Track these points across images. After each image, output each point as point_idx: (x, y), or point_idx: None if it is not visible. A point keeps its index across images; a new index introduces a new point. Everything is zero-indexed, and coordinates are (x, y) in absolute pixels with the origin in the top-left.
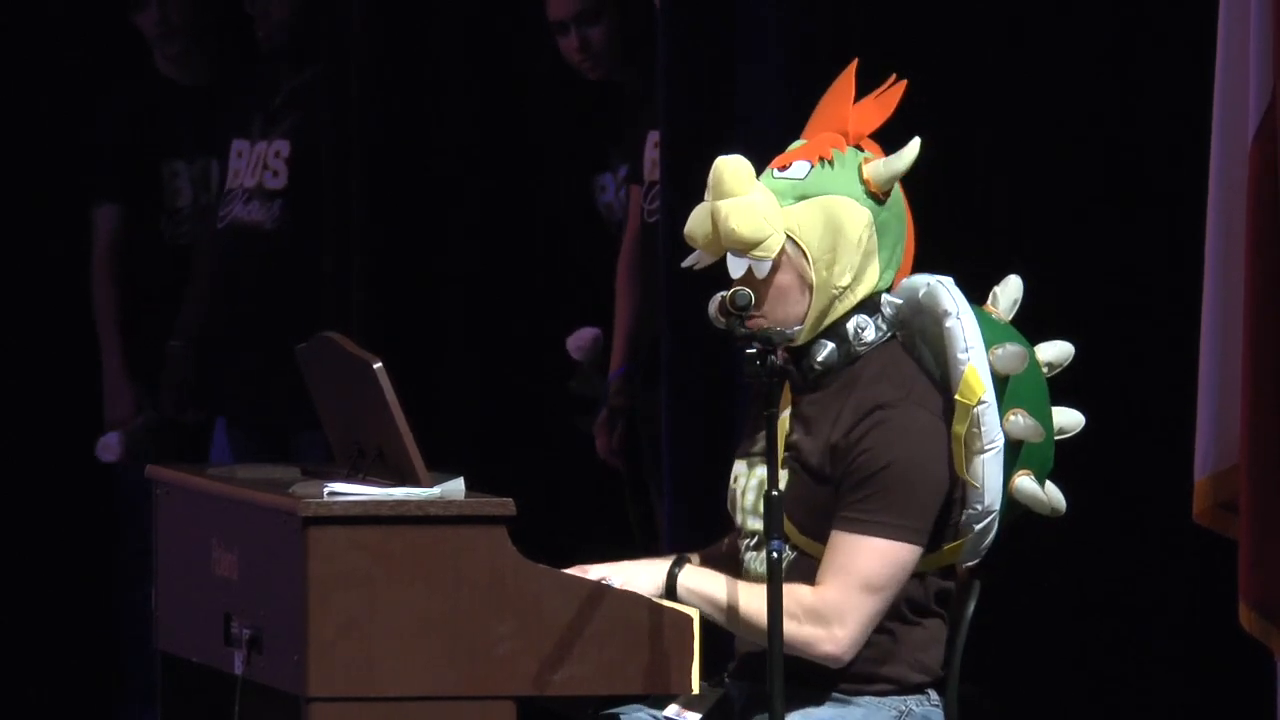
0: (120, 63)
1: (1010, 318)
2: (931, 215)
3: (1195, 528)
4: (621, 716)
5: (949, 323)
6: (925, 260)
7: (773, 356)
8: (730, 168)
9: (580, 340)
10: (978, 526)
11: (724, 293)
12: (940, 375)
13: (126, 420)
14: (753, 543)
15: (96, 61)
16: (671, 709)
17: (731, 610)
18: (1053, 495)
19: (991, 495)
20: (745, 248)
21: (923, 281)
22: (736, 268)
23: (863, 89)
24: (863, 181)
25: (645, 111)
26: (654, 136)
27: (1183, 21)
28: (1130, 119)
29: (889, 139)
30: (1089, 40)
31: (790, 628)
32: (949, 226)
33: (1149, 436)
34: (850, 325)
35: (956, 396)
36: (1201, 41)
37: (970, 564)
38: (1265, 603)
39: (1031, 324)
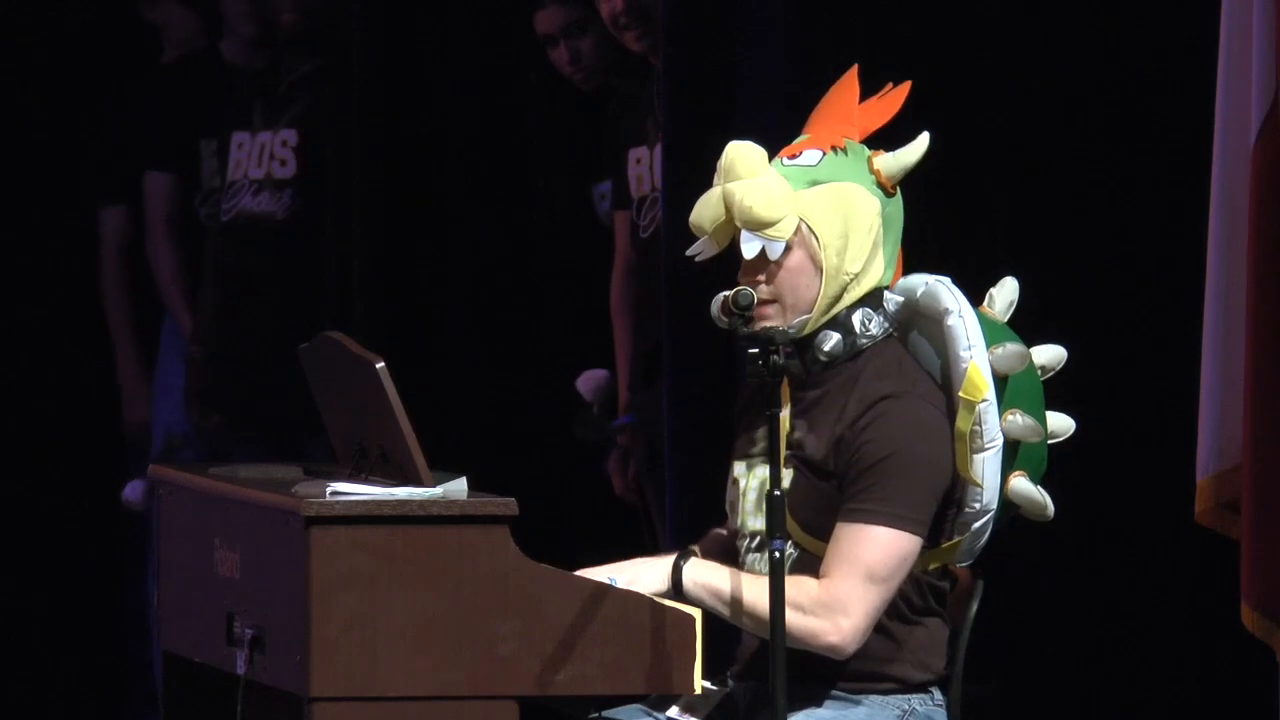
0: (132, 54)
1: (1006, 319)
2: (930, 216)
3: (1197, 528)
4: (623, 718)
5: (950, 320)
6: (924, 261)
7: (775, 356)
8: (743, 152)
9: (591, 382)
10: (974, 525)
11: (726, 292)
12: (940, 373)
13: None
14: (754, 543)
15: (106, 51)
16: (673, 710)
17: (738, 603)
18: (1048, 505)
19: (990, 495)
20: (760, 226)
21: (920, 281)
22: (750, 247)
23: (863, 89)
24: (872, 172)
25: (624, 130)
26: (635, 153)
27: (1185, 22)
28: (1132, 120)
29: (890, 139)
30: (1091, 40)
31: (796, 619)
32: (948, 227)
33: (1151, 437)
34: (856, 317)
35: (961, 394)
36: (1203, 42)
37: (965, 564)
38: (1267, 603)
39: (1035, 326)
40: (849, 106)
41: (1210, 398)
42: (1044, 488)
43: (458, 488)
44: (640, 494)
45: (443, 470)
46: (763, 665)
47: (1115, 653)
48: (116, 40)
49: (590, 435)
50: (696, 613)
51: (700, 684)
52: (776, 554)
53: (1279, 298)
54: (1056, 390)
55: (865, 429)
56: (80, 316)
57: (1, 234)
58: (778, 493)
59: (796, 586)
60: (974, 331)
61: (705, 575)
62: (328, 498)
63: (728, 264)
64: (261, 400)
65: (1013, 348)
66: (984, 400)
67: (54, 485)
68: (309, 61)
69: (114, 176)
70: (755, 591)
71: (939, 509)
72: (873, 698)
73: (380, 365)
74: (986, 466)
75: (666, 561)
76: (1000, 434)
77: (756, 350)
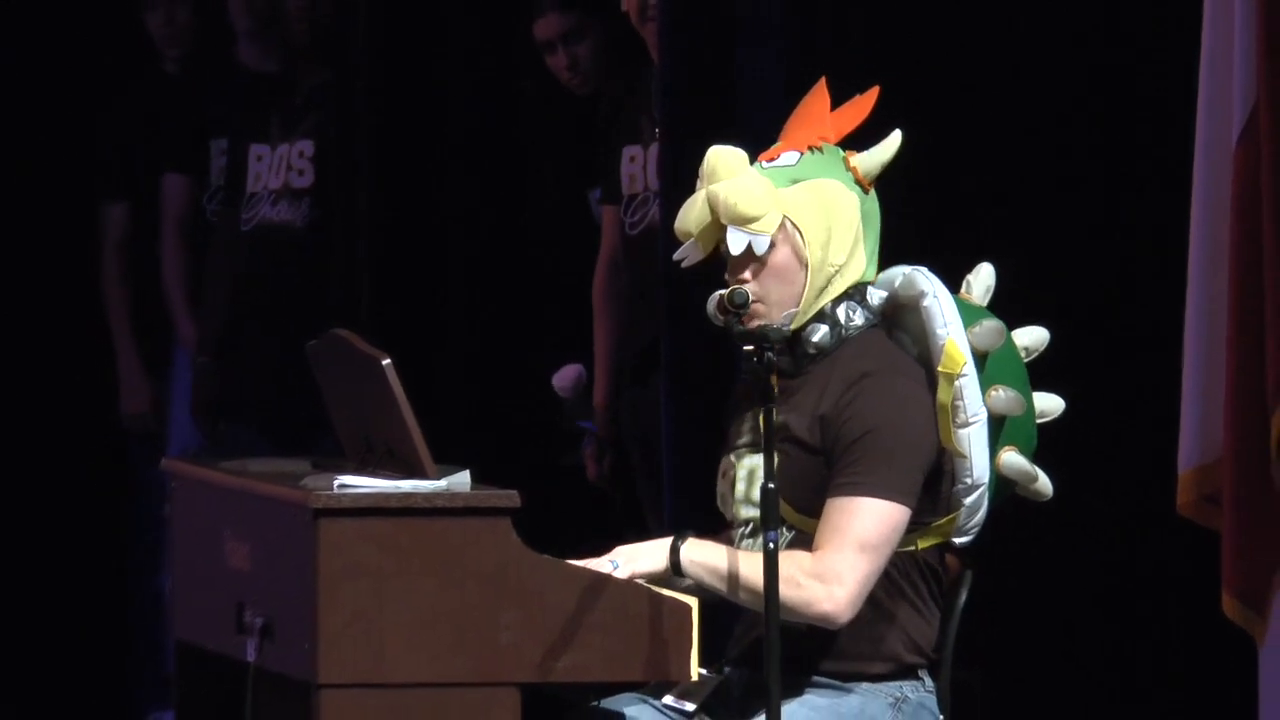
0: (135, 51)
1: (985, 303)
2: (918, 207)
3: (1181, 517)
4: (621, 705)
5: (926, 301)
6: (912, 252)
7: (770, 354)
8: (723, 155)
9: (565, 378)
10: (968, 500)
11: (722, 291)
12: (920, 354)
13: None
14: (747, 530)
15: (109, 48)
16: (668, 698)
17: (735, 580)
18: (1040, 477)
19: (979, 469)
20: (745, 222)
21: (898, 271)
22: (736, 243)
23: (859, 88)
24: (849, 170)
25: (618, 128)
26: (630, 151)
27: (1167, 22)
28: (1117, 120)
29: (876, 139)
30: (1076, 38)
31: (790, 591)
32: (938, 220)
33: (1135, 429)
34: (841, 310)
35: (939, 368)
36: (1186, 42)
37: (962, 542)
38: (1247, 591)
39: (1019, 318)
40: (821, 113)
41: (1192, 393)
42: (1044, 471)
43: (461, 481)
44: (614, 483)
45: (447, 463)
46: (757, 653)
47: (1101, 639)
48: (119, 36)
49: (578, 418)
50: (693, 602)
51: (696, 671)
52: (770, 545)
53: (1259, 297)
54: (1047, 385)
55: (847, 406)
56: (80, 312)
57: (3, 229)
58: (771, 485)
59: (790, 560)
60: (949, 311)
61: (702, 554)
62: (335, 491)
63: (726, 264)
64: (285, 408)
65: (990, 323)
66: (962, 373)
67: (55, 476)
68: (324, 72)
69: (116, 173)
70: (752, 568)
71: (929, 482)
72: (865, 685)
73: (386, 362)
74: (972, 441)
75: (664, 542)
76: (984, 408)
77: (753, 348)
